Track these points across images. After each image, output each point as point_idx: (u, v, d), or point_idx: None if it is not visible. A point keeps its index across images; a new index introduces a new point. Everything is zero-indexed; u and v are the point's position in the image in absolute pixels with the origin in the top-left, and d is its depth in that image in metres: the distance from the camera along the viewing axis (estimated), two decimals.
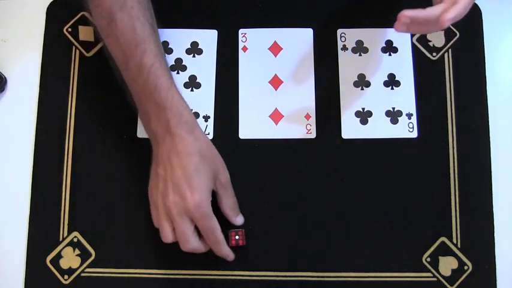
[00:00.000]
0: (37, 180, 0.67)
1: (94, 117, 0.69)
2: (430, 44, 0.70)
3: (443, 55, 0.70)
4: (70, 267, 0.65)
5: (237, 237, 0.64)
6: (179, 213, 0.58)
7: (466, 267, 0.65)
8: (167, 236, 0.60)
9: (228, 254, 0.62)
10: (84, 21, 0.71)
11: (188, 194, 0.57)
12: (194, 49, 0.71)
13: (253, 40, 0.71)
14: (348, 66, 0.70)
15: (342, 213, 0.66)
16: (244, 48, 0.71)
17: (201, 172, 0.58)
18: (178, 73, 0.70)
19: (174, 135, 0.58)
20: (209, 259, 0.65)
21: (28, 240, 0.66)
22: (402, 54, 0.70)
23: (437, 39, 0.71)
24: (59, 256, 0.66)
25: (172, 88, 0.60)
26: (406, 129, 0.68)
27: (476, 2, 0.71)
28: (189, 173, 0.58)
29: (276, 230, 0.66)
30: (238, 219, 0.64)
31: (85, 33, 0.71)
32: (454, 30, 0.71)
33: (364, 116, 0.68)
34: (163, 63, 0.61)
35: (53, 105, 0.69)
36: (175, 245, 0.65)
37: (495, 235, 0.65)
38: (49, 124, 0.68)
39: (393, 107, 0.69)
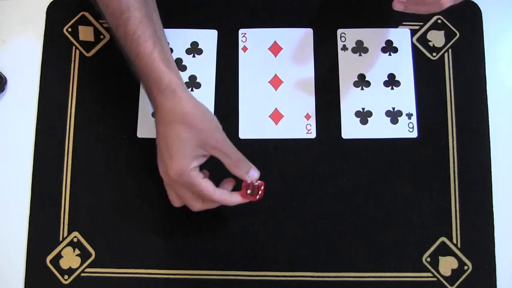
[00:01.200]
0: (37, 180, 0.67)
1: (94, 117, 0.69)
2: (430, 44, 0.70)
3: (443, 55, 0.70)
4: (70, 267, 0.65)
5: (248, 191, 0.60)
6: (169, 182, 0.59)
7: (466, 267, 0.65)
8: (173, 201, 0.61)
9: (239, 202, 0.60)
10: (84, 21, 0.71)
11: (169, 163, 0.57)
12: (194, 49, 0.71)
13: (253, 40, 0.71)
14: (348, 66, 0.70)
15: (342, 213, 0.66)
16: (244, 48, 0.71)
17: (183, 140, 0.57)
18: None
19: (157, 104, 0.59)
20: (209, 259, 0.65)
21: (28, 240, 0.66)
22: (402, 54, 0.70)
23: (437, 39, 0.71)
24: (59, 256, 0.66)
25: (152, 54, 0.58)
26: (406, 129, 0.68)
27: (476, 2, 0.71)
28: (169, 142, 0.57)
29: (276, 230, 0.66)
30: (252, 174, 0.60)
31: (85, 33, 0.71)
32: (454, 30, 0.71)
33: (364, 116, 0.68)
34: (148, 30, 0.59)
35: (53, 105, 0.69)
36: (175, 245, 0.66)
37: (495, 235, 0.65)
38: (49, 124, 0.68)
39: (393, 107, 0.69)
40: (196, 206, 0.60)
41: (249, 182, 0.59)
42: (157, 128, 0.59)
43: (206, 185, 0.58)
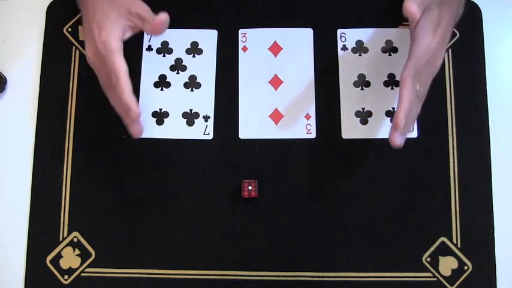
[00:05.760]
0: (37, 180, 0.67)
1: (94, 117, 0.69)
2: None
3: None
4: (70, 267, 0.65)
5: (249, 187, 0.64)
6: (94, 62, 0.61)
7: (466, 267, 0.65)
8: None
9: (130, 103, 0.59)
10: None
11: (96, 32, 0.59)
12: (194, 49, 0.71)
13: (253, 40, 0.71)
14: (348, 66, 0.70)
15: (341, 213, 0.66)
16: (244, 48, 0.71)
17: (109, 12, 0.60)
18: (178, 73, 0.70)
19: None
20: (209, 259, 0.65)
21: (28, 240, 0.66)
22: (402, 54, 0.70)
23: None
24: (59, 256, 0.66)
25: None
26: None
27: (476, 2, 0.71)
28: (98, 16, 0.60)
29: (276, 230, 0.66)
30: (159, 19, 0.59)
31: None
32: (454, 30, 0.70)
33: (364, 116, 0.68)
34: None
35: (53, 105, 0.69)
36: (175, 245, 0.66)
37: (495, 235, 0.65)
38: (49, 124, 0.68)
39: (393, 107, 0.69)
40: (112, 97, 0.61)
41: (157, 24, 0.59)
42: (85, 11, 0.62)
43: (122, 60, 0.59)
